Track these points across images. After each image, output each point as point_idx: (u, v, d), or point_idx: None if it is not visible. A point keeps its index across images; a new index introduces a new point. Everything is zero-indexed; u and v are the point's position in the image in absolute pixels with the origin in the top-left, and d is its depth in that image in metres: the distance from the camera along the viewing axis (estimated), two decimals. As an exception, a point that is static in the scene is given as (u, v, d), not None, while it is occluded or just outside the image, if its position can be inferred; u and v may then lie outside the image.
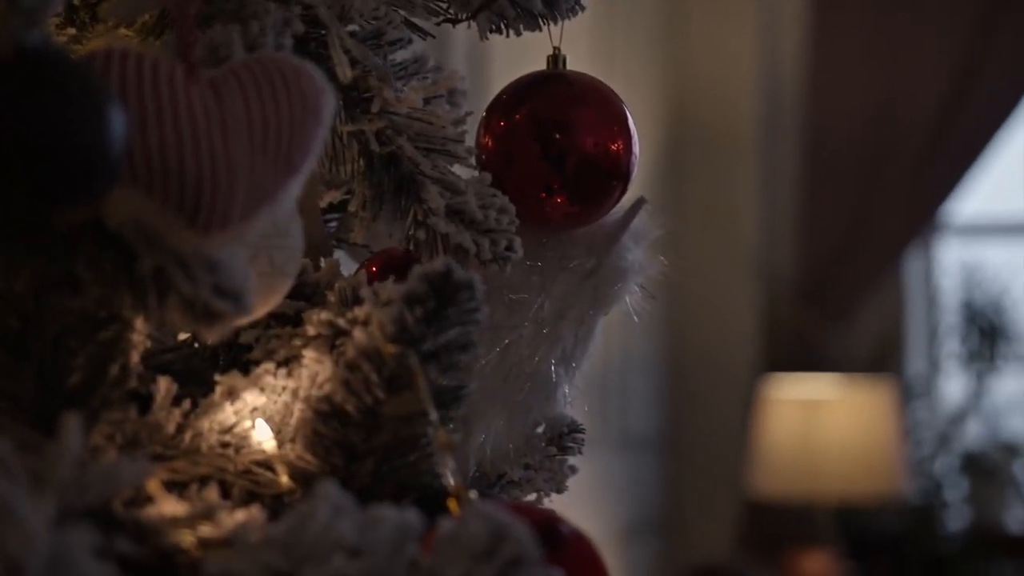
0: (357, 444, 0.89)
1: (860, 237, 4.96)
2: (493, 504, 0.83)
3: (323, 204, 1.08)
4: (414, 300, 0.87)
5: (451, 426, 0.92)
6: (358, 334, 0.89)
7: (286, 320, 0.95)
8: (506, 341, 1.07)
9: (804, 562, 3.31)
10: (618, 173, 1.08)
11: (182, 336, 0.98)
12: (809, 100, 5.00)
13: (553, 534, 0.83)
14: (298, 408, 0.90)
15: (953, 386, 5.17)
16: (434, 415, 0.88)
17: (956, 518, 4.89)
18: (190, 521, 0.78)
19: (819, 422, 3.93)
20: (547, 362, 1.09)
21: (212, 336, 0.79)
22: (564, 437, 1.12)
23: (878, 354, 5.03)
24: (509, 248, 1.00)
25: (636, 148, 1.10)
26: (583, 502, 4.38)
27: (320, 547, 0.75)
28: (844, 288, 4.98)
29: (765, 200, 5.18)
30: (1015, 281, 5.13)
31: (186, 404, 0.89)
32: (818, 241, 5.04)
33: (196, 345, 0.97)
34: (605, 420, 4.48)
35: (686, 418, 5.15)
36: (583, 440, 1.12)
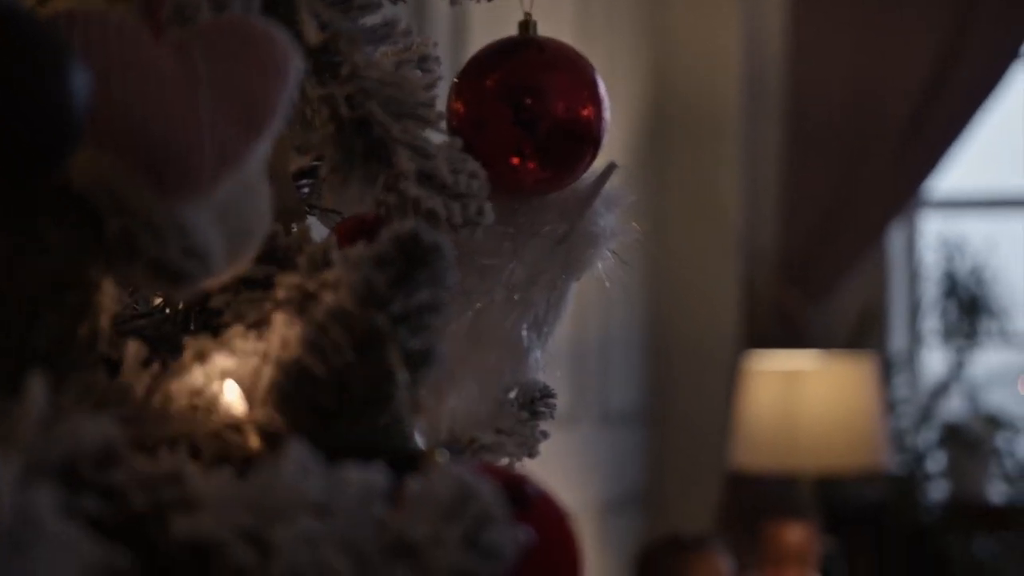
0: (327, 406, 0.89)
1: (842, 215, 4.97)
2: (462, 465, 0.83)
3: (293, 169, 1.08)
4: (382, 262, 0.87)
5: (422, 389, 0.93)
6: (327, 297, 0.89)
7: (256, 284, 0.96)
8: (477, 306, 1.07)
9: (784, 534, 3.32)
10: (589, 138, 1.09)
11: (153, 301, 0.98)
12: (791, 78, 5.00)
13: (520, 494, 0.83)
14: (268, 371, 0.91)
15: (935, 360, 5.19)
16: (404, 378, 0.88)
17: (936, 490, 4.91)
18: (158, 482, 0.78)
19: (800, 396, 3.94)
20: (519, 327, 1.09)
21: (180, 297, 0.79)
22: (536, 402, 1.12)
23: (860, 330, 5.04)
24: (480, 213, 1.00)
25: (607, 114, 1.10)
26: (565, 476, 4.40)
27: (288, 506, 0.75)
28: (826, 265, 5.00)
29: (747, 177, 5.19)
30: (996, 254, 5.15)
31: (156, 367, 0.89)
32: (800, 218, 5.05)
33: (167, 310, 0.97)
34: (587, 395, 4.49)
35: (668, 393, 5.16)
36: (555, 405, 1.12)
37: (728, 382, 4.84)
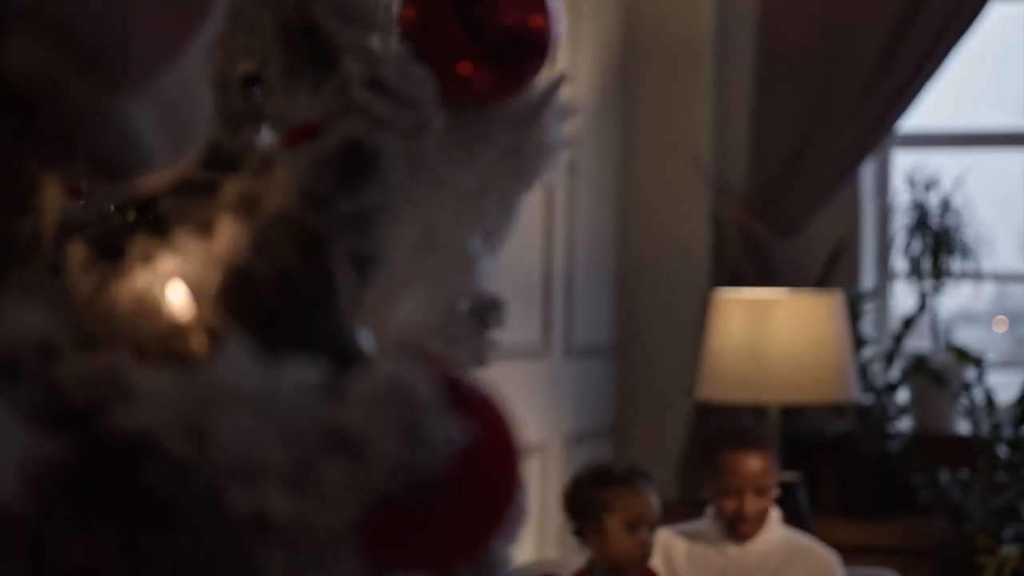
0: (270, 307, 0.89)
1: (813, 150, 4.97)
2: (402, 365, 0.84)
3: (241, 75, 1.07)
4: (325, 164, 0.88)
5: (368, 293, 0.93)
6: (271, 200, 0.90)
7: (203, 188, 0.96)
8: (427, 215, 1.08)
9: (742, 463, 3.34)
10: (539, 47, 1.09)
11: (100, 206, 0.98)
12: (763, 12, 4.99)
13: (459, 393, 0.84)
14: (213, 273, 0.91)
15: (903, 295, 5.21)
16: (347, 279, 0.89)
17: (903, 423, 4.95)
18: (98, 376, 0.79)
19: (768, 329, 3.96)
20: (469, 237, 1.09)
21: (118, 193, 0.79)
22: (485, 312, 1.13)
23: (829, 267, 5.06)
24: (428, 119, 1.00)
25: (558, 24, 1.10)
26: (533, 409, 4.42)
27: (226, 400, 0.76)
28: (796, 202, 5.01)
29: (717, 111, 5.18)
30: (966, 191, 5.16)
31: (101, 269, 0.89)
32: (770, 154, 5.05)
33: (113, 215, 0.97)
34: (555, 328, 4.50)
35: (636, 326, 5.18)
36: (504, 313, 1.13)
37: (697, 316, 4.85)
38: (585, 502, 3.06)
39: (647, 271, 5.14)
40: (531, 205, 4.32)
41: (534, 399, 4.30)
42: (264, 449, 0.75)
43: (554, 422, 4.48)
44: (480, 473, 0.81)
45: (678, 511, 3.89)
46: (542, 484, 4.27)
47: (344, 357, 0.87)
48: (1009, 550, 4.19)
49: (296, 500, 0.76)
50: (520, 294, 4.23)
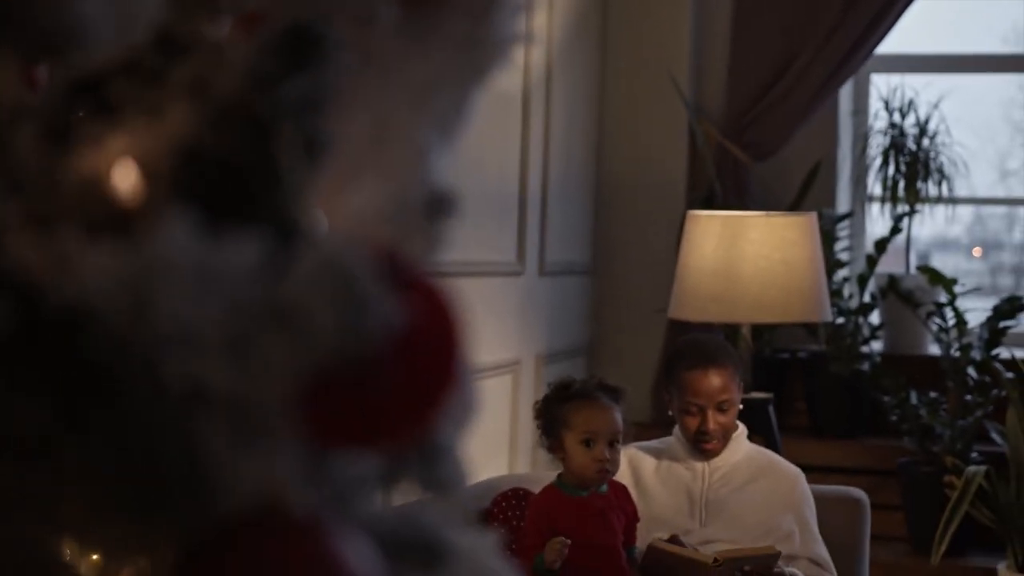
0: (216, 190, 0.90)
1: (790, 73, 4.97)
2: (344, 245, 0.85)
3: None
4: (272, 49, 0.88)
5: (317, 180, 0.94)
6: (220, 84, 0.90)
7: (153, 72, 0.96)
8: (379, 106, 1.08)
9: (705, 380, 3.37)
10: (493, -60, 1.09)
11: (51, 91, 0.98)
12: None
13: (400, 272, 0.85)
14: (160, 156, 0.92)
15: (879, 220, 5.23)
16: (294, 163, 0.90)
17: (874, 344, 4.99)
18: (40, 249, 0.79)
19: (741, 248, 3.98)
20: (421, 130, 1.10)
21: (65, 71, 0.80)
22: (438, 204, 1.13)
23: (805, 190, 5.07)
24: (378, 8, 1.00)
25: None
26: (508, 327, 4.43)
27: (167, 271, 0.77)
28: (773, 125, 5.01)
29: (696, 33, 5.17)
30: (942, 114, 5.16)
31: (51, 151, 0.90)
32: (747, 75, 5.05)
33: (63, 98, 0.97)
34: (531, 247, 4.51)
35: (612, 246, 5.19)
36: (457, 206, 1.13)
37: (672, 237, 4.87)
38: (549, 418, 3.09)
39: (623, 191, 5.15)
40: (507, 125, 4.33)
41: (508, 318, 4.32)
42: (203, 321, 0.76)
43: (528, 341, 4.50)
44: (419, 351, 0.82)
45: (653, 430, 3.93)
46: (515, 402, 4.31)
47: (288, 236, 0.88)
48: (975, 469, 4.24)
49: (234, 372, 0.77)
50: (495, 213, 4.24)
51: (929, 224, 5.42)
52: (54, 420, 0.79)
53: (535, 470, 4.10)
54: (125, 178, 0.91)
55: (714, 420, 3.35)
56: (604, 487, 3.14)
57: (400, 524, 0.95)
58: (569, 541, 2.99)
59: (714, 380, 3.32)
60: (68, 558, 0.90)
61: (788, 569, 3.24)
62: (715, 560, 3.10)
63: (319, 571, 0.77)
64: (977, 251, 6.30)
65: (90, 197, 0.90)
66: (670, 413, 3.46)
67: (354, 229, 1.08)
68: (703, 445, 3.38)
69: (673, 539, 3.20)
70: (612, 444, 3.08)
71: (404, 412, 0.83)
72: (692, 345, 3.45)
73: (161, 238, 0.78)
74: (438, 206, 1.14)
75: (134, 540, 0.86)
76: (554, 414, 3.11)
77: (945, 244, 6.41)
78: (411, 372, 0.82)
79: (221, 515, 0.80)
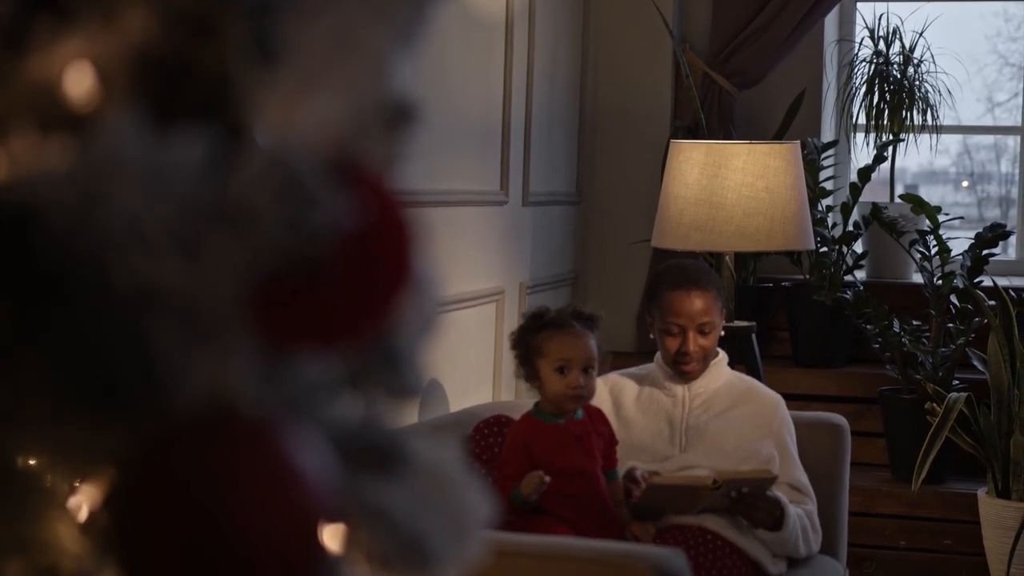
0: (169, 92, 0.90)
1: (775, 1, 4.95)
2: (293, 145, 0.85)
3: None
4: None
5: (275, 84, 0.94)
6: (174, -14, 0.90)
7: (107, -24, 0.96)
8: (337, 16, 1.07)
9: (685, 303, 3.39)
10: None
11: None
12: None
13: (350, 176, 0.85)
14: (114, 58, 0.91)
15: (863, 148, 5.22)
16: (246, 65, 0.90)
17: (858, 273, 5.00)
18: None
19: (724, 177, 3.98)
20: (380, 38, 1.09)
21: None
22: (399, 114, 1.13)
23: (789, 117, 5.06)
24: (335, -86, 1.00)
25: None
26: (494, 257, 4.43)
27: (115, 170, 0.77)
28: (757, 54, 4.99)
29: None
30: (925, 40, 5.15)
31: (2, 51, 0.90)
32: (732, 5, 5.02)
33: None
34: (516, 175, 4.50)
35: (597, 175, 5.19)
36: (420, 115, 1.13)
37: (657, 166, 4.87)
38: (524, 347, 3.11)
39: (607, 121, 5.13)
40: (490, 53, 4.31)
41: (492, 247, 4.32)
42: (152, 219, 0.76)
43: (512, 271, 4.51)
44: (371, 250, 0.82)
45: (637, 359, 3.94)
46: (498, 332, 4.31)
47: (238, 138, 0.88)
48: (956, 396, 4.26)
49: (184, 271, 0.77)
50: (478, 142, 4.23)
51: (915, 156, 5.43)
52: (6, 323, 0.79)
53: (518, 399, 4.11)
54: (79, 81, 0.91)
55: (694, 342, 3.37)
56: (579, 413, 3.15)
57: (361, 429, 0.96)
58: (548, 478, 3.00)
59: (696, 302, 3.34)
60: (25, 465, 0.91)
61: (780, 495, 3.27)
62: (714, 482, 3.13)
63: (267, 470, 0.77)
64: (966, 183, 6.30)
65: (44, 99, 0.90)
66: (651, 336, 3.47)
67: (311, 135, 1.08)
68: (682, 367, 3.39)
69: (653, 475, 3.22)
70: (586, 371, 3.09)
71: (357, 311, 0.83)
72: (675, 268, 3.47)
73: (110, 136, 0.78)
74: (399, 116, 1.14)
75: (89, 444, 0.86)
76: (528, 343, 3.13)
77: (932, 176, 6.41)
78: (363, 270, 0.82)
79: (173, 415, 0.80)
